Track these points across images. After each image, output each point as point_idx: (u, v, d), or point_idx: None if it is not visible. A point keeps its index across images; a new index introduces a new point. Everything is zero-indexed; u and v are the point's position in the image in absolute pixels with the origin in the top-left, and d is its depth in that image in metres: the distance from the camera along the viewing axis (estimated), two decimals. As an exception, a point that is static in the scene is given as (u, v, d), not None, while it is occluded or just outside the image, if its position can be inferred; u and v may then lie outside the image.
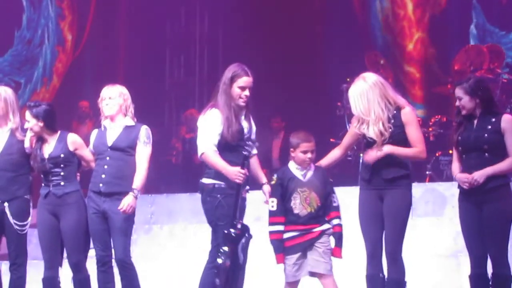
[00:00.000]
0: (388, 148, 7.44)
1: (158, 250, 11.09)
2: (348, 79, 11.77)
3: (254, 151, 8.01)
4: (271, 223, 7.82)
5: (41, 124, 8.31)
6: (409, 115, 7.55)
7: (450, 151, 8.55)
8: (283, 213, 7.75)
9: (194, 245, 10.53)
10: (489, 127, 7.47)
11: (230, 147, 7.58)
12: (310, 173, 7.80)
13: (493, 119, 7.50)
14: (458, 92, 7.47)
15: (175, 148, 15.51)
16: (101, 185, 8.21)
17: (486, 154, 7.44)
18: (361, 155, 8.60)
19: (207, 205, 7.79)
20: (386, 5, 16.11)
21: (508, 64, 13.30)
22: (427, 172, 11.27)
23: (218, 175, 7.66)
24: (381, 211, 7.59)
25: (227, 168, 7.52)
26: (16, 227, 8.51)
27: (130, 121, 8.39)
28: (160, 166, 13.96)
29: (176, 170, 15.14)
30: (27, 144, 8.55)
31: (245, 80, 7.62)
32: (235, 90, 7.56)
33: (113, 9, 18.53)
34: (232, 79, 7.54)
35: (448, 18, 15.23)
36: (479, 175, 7.26)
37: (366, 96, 7.55)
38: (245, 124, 7.77)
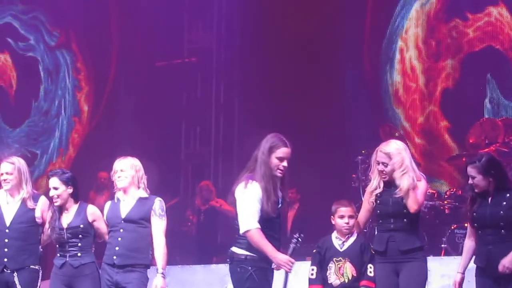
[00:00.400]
0: (406, 185, 7.64)
1: (171, 323, 10.72)
2: (363, 151, 12.68)
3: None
4: None
5: (70, 190, 8.41)
6: (421, 185, 7.78)
7: (466, 224, 8.62)
8: (321, 281, 7.84)
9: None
10: (504, 203, 7.49)
11: (268, 219, 7.49)
12: (349, 242, 7.98)
13: (508, 195, 7.53)
14: (471, 171, 7.59)
15: (190, 219, 15.34)
16: (115, 257, 8.25)
17: (503, 230, 7.47)
18: (376, 227, 8.57)
19: (236, 275, 7.61)
20: (397, 79, 16.00)
21: None
22: (443, 245, 11.12)
23: (251, 246, 7.60)
24: (397, 284, 7.68)
25: (276, 255, 7.43)
26: None
27: (143, 193, 8.45)
28: (175, 237, 13.13)
29: (191, 241, 14.89)
30: (38, 214, 8.67)
31: (284, 151, 7.54)
32: (274, 160, 7.48)
33: (130, 81, 18.25)
34: (271, 150, 7.46)
35: (462, 92, 15.03)
36: (509, 261, 7.26)
37: (402, 154, 7.80)
38: (279, 194, 7.69)
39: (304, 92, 15.86)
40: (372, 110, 15.77)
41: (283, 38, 16.15)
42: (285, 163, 7.48)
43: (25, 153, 15.86)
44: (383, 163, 7.83)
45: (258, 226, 7.38)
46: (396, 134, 13.28)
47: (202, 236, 14.77)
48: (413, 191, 7.72)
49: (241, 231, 7.45)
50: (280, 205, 7.57)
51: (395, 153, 7.82)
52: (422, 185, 7.87)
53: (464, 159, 12.00)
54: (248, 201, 7.45)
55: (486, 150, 11.73)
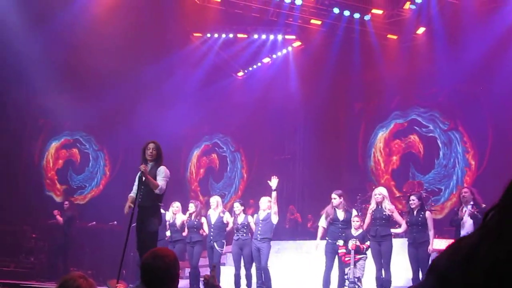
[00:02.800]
0: (396, 215, 8.17)
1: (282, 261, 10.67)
2: (359, 195, 12.43)
3: None
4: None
5: (242, 208, 9.17)
6: (394, 210, 8.22)
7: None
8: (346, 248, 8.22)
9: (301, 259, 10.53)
10: (421, 215, 7.94)
11: (331, 223, 8.34)
12: (358, 232, 8.25)
13: (422, 212, 7.97)
14: (413, 198, 8.09)
15: (286, 221, 14.14)
16: (258, 236, 8.71)
17: (420, 227, 7.89)
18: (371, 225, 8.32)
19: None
20: (372, 164, 15.62)
21: (425, 188, 13.15)
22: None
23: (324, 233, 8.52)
24: (380, 251, 7.97)
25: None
26: (219, 251, 9.15)
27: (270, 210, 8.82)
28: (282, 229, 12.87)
29: (287, 231, 13.70)
30: (225, 220, 9.30)
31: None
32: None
33: (265, 166, 16.20)
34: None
35: (400, 170, 14.93)
36: (432, 246, 7.82)
37: (387, 193, 8.30)
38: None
39: (337, 167, 15.47)
40: (362, 177, 15.28)
41: (326, 145, 15.50)
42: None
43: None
44: (379, 194, 8.14)
45: (323, 225, 8.47)
46: (374, 187, 11.67)
47: (292, 228, 14.08)
48: (393, 211, 8.14)
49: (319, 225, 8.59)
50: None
51: (383, 192, 8.23)
52: (395, 211, 8.29)
53: (401, 198, 12.68)
54: (322, 216, 8.50)
55: (413, 193, 10.98)
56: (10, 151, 15.27)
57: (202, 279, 5.82)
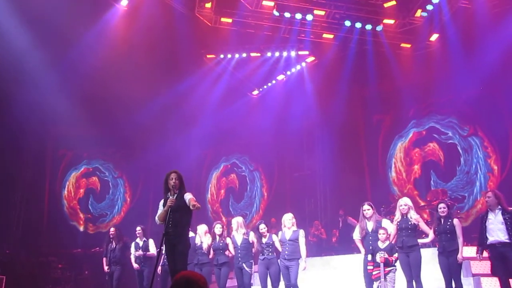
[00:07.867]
0: (422, 224, 8.00)
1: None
2: (383, 206, 12.24)
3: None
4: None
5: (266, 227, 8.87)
6: (420, 220, 8.01)
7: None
8: (374, 261, 7.92)
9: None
10: (449, 222, 7.76)
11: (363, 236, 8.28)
12: (385, 244, 7.97)
13: (450, 220, 7.79)
14: (442, 205, 7.90)
15: (313, 236, 13.86)
16: (286, 256, 8.51)
17: (449, 235, 7.68)
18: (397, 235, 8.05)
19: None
20: (394, 174, 15.49)
21: (449, 196, 12.84)
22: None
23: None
24: (408, 263, 7.72)
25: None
26: (249, 272, 8.87)
27: (295, 228, 8.69)
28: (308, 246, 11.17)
29: (313, 247, 13.11)
30: (250, 239, 9.03)
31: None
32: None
33: (286, 181, 16.87)
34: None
35: (421, 179, 14.85)
36: (461, 254, 7.62)
37: (411, 203, 8.05)
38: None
39: (358, 181, 15.24)
40: (384, 189, 15.05)
41: (346, 159, 15.40)
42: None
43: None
44: (405, 205, 7.93)
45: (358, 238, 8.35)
46: (396, 197, 12.78)
47: (317, 244, 13.76)
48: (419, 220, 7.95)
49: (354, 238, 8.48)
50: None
51: (408, 203, 8.04)
52: (421, 221, 8.04)
53: (426, 207, 12.50)
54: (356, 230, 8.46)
55: (436, 202, 10.80)
56: (32, 183, 15.47)
57: None
